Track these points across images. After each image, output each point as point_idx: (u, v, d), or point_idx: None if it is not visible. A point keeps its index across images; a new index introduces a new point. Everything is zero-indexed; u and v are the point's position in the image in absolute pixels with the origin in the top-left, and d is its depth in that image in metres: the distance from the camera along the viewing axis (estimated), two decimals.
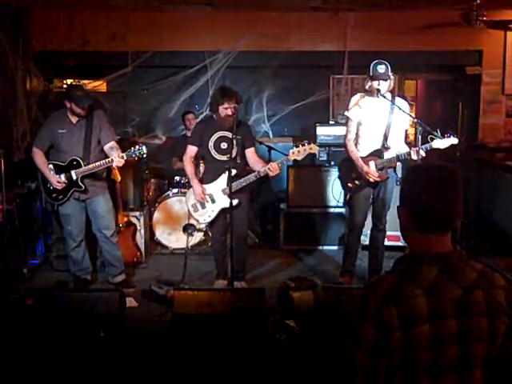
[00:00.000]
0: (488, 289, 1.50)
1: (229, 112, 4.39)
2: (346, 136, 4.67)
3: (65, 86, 6.67)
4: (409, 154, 4.33)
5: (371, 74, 4.41)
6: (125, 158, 4.39)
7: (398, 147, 4.52)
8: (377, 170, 4.51)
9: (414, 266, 1.51)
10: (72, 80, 6.72)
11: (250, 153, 4.62)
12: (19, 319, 3.51)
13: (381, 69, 4.37)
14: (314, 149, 4.33)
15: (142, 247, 5.60)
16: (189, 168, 4.68)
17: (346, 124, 4.72)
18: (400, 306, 1.42)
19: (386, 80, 4.38)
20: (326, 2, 6.06)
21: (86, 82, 6.68)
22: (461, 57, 6.81)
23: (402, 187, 1.64)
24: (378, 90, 4.40)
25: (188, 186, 5.98)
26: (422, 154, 4.26)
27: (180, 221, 5.90)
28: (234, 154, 4.48)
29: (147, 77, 6.79)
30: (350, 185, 4.67)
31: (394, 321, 1.42)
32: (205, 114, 6.73)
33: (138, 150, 4.36)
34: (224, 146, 4.51)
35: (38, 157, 4.57)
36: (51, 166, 4.56)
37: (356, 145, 4.63)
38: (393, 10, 6.46)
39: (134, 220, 5.53)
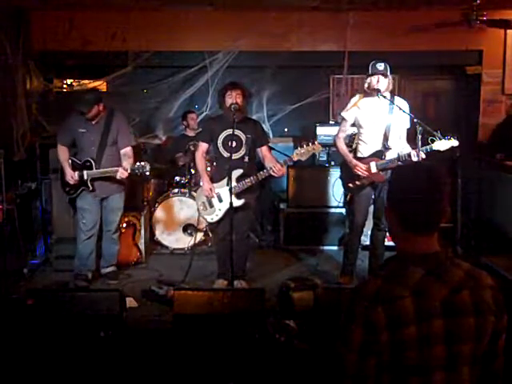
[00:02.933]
0: (475, 288, 1.50)
1: (233, 99, 4.38)
2: (337, 134, 4.73)
3: (65, 85, 6.67)
4: (409, 155, 4.33)
5: (370, 71, 4.44)
6: (129, 171, 4.64)
7: (399, 147, 4.53)
8: (378, 170, 4.52)
9: (401, 267, 1.52)
10: (72, 80, 6.71)
11: (263, 151, 4.61)
12: (19, 319, 3.51)
13: (380, 66, 4.41)
14: (318, 148, 4.35)
15: (142, 247, 5.59)
16: (200, 164, 4.71)
17: (340, 123, 4.78)
18: (387, 307, 1.43)
19: (385, 76, 4.40)
20: (326, 1, 6.06)
21: (86, 81, 6.68)
22: (461, 57, 6.81)
23: (389, 188, 1.66)
24: (378, 90, 4.41)
25: (188, 185, 6.01)
26: (423, 155, 4.27)
27: (180, 221, 5.91)
28: (242, 154, 4.49)
29: (147, 77, 6.79)
30: (350, 185, 4.67)
31: (381, 322, 1.42)
32: (205, 113, 6.73)
33: (142, 167, 4.61)
34: (233, 144, 4.48)
35: (62, 152, 4.84)
36: (70, 161, 4.81)
37: (357, 146, 4.66)
38: (393, 10, 6.46)
39: (133, 220, 5.53)
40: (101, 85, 6.75)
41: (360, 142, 4.64)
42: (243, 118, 4.54)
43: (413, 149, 4.35)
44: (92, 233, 4.86)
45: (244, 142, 4.49)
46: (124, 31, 6.44)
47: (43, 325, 3.42)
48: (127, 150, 4.82)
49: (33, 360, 3.19)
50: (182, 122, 6.59)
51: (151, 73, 6.84)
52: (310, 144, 4.30)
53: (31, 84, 6.29)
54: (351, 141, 5.01)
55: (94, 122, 4.73)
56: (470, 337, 1.47)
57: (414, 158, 4.29)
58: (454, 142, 4.27)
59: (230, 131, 4.47)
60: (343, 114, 4.68)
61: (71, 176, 4.71)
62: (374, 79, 4.42)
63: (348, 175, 4.67)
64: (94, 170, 4.71)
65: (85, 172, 4.71)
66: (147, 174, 4.70)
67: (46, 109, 6.14)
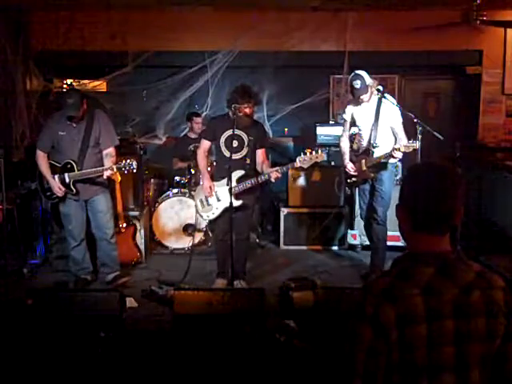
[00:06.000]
0: (486, 289, 1.49)
1: (247, 111, 4.39)
2: (341, 134, 5.05)
3: (65, 85, 6.67)
4: (390, 154, 4.47)
5: (349, 88, 4.60)
6: (115, 170, 4.47)
7: (389, 144, 4.62)
8: (367, 167, 4.70)
9: (411, 265, 1.51)
10: (72, 80, 6.71)
11: (258, 153, 4.63)
12: (19, 319, 3.51)
13: (356, 84, 4.50)
14: (321, 157, 4.38)
15: (142, 247, 5.59)
16: (201, 162, 4.71)
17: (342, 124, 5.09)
18: (397, 306, 1.42)
19: (364, 93, 4.52)
20: (326, 1, 6.06)
21: (86, 81, 6.68)
22: (461, 57, 6.82)
23: (401, 187, 1.65)
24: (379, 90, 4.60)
25: (188, 185, 6.01)
26: (399, 154, 4.41)
27: (180, 221, 5.90)
28: (243, 154, 4.50)
29: (147, 77, 6.79)
30: (348, 181, 4.95)
31: (390, 320, 1.41)
32: (205, 113, 6.73)
33: (129, 164, 4.42)
34: (235, 144, 4.48)
35: (42, 160, 4.60)
36: (51, 173, 4.60)
37: (358, 144, 4.87)
38: (393, 10, 6.46)
39: (133, 220, 5.53)
40: (101, 85, 6.76)
41: (360, 140, 4.85)
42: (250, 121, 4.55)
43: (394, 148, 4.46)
44: (81, 237, 4.76)
45: (246, 143, 4.50)
46: (124, 31, 6.44)
47: (43, 325, 3.42)
48: (109, 150, 4.61)
49: (33, 360, 3.19)
50: (187, 123, 6.58)
51: (151, 73, 6.84)
52: (314, 153, 4.33)
53: (31, 84, 6.29)
54: (351, 141, 5.07)
55: (75, 124, 4.52)
56: (480, 338, 1.46)
57: (396, 155, 4.43)
58: (415, 145, 4.36)
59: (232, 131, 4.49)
60: (343, 115, 4.96)
61: (59, 188, 4.51)
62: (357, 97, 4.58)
63: (347, 173, 4.96)
64: (76, 172, 4.50)
65: (66, 175, 4.51)
66: (134, 171, 4.50)
67: (45, 109, 6.13)
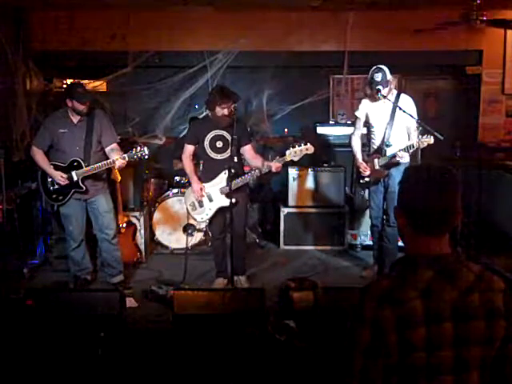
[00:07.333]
0: (485, 291, 1.48)
1: (225, 112, 4.42)
2: (352, 132, 5.02)
3: (65, 85, 6.66)
4: (395, 155, 4.57)
5: (369, 80, 4.60)
6: (126, 159, 4.40)
7: (402, 144, 4.63)
8: (380, 166, 4.70)
9: (410, 268, 1.50)
10: (72, 80, 6.71)
11: (246, 149, 4.63)
12: (19, 319, 3.51)
13: (377, 77, 4.53)
14: (311, 149, 4.39)
15: (142, 247, 5.60)
16: (188, 166, 4.72)
17: (354, 122, 5.06)
18: (395, 309, 1.42)
19: (385, 86, 4.51)
20: (326, 1, 6.05)
21: (85, 82, 6.66)
22: (461, 57, 6.82)
23: (400, 188, 1.64)
24: (378, 90, 4.52)
25: (188, 186, 6.01)
26: (405, 154, 4.54)
27: (180, 221, 5.90)
28: (229, 153, 4.52)
29: (147, 77, 6.79)
30: (361, 181, 4.93)
31: (389, 323, 1.41)
32: (205, 114, 6.72)
33: (140, 151, 4.37)
34: (219, 144, 4.55)
35: (39, 155, 4.56)
36: (52, 166, 4.56)
37: (370, 143, 4.90)
38: (393, 10, 6.46)
39: (134, 220, 5.53)
40: (101, 85, 6.76)
41: (372, 138, 4.85)
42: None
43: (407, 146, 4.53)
44: (81, 238, 4.74)
45: (230, 142, 4.51)
46: (124, 31, 6.44)
47: (43, 325, 3.42)
48: (114, 145, 4.58)
49: (33, 360, 3.19)
50: (188, 126, 6.58)
51: (151, 73, 6.84)
52: (303, 145, 4.35)
53: (31, 84, 6.29)
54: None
55: (76, 122, 4.52)
56: (479, 340, 1.46)
57: (401, 155, 4.54)
58: (430, 140, 4.41)
59: (216, 132, 4.54)
60: (356, 113, 4.91)
61: (60, 175, 4.45)
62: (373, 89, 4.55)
63: (359, 172, 4.93)
64: (85, 169, 4.46)
65: (73, 173, 4.47)
66: (146, 157, 4.43)
67: (45, 109, 6.12)
